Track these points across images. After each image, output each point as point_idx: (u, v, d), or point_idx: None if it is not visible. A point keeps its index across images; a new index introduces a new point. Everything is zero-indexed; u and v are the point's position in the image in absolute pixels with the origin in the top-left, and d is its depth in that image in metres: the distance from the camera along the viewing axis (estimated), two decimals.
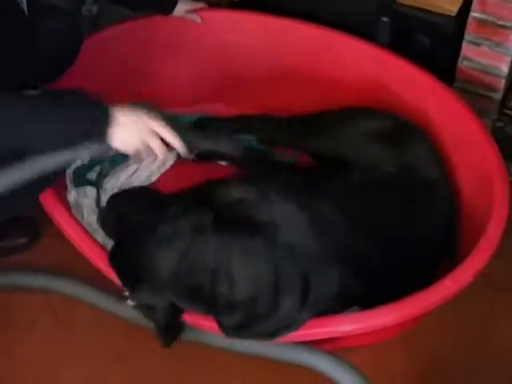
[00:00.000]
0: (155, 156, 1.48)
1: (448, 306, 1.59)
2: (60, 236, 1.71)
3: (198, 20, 2.16)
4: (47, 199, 1.73)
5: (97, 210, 1.90)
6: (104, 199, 1.90)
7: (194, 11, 2.15)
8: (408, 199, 1.69)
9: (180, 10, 2.10)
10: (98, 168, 2.02)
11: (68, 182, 1.96)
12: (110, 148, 1.42)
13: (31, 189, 1.68)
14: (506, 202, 1.63)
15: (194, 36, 2.20)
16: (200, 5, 2.17)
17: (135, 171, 2.04)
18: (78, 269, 1.87)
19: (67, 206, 1.79)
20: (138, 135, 1.41)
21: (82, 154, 1.48)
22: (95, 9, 2.30)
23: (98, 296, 1.75)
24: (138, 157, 1.49)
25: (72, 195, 1.94)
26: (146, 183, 2.03)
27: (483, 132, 1.79)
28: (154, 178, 2.06)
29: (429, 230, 1.69)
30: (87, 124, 1.39)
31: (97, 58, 2.00)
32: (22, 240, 2.03)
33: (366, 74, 2.06)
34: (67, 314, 1.90)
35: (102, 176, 2.02)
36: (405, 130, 1.84)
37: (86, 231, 1.68)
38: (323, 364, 1.52)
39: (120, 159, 2.04)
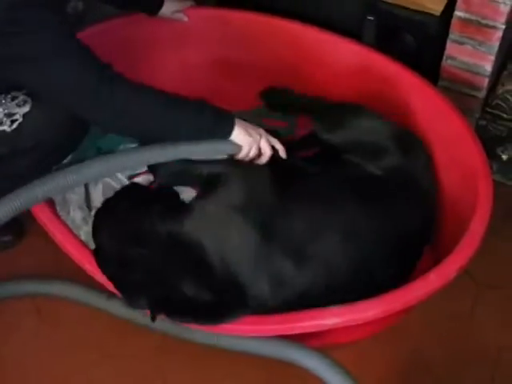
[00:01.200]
0: (261, 159, 1.68)
1: (432, 304, 1.61)
2: (44, 235, 1.71)
3: (185, 19, 2.16)
4: None
5: (84, 207, 1.89)
6: (94, 196, 1.89)
7: (181, 11, 2.14)
8: (388, 202, 1.71)
9: (166, 10, 2.09)
10: None
11: None
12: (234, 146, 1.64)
13: (14, 187, 1.70)
14: (489, 199, 1.65)
15: (180, 34, 2.19)
16: (187, 4, 2.17)
17: None
18: (62, 267, 1.88)
19: (52, 205, 1.78)
20: (253, 137, 1.64)
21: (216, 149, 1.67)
22: (80, 6, 2.29)
23: (90, 294, 1.77)
24: (243, 155, 1.66)
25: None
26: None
27: (467, 130, 1.81)
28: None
29: (402, 241, 1.69)
30: (214, 122, 1.62)
31: None
32: (7, 238, 2.02)
33: (350, 73, 2.06)
34: (51, 312, 1.89)
35: None
36: (408, 138, 1.85)
37: (70, 230, 1.69)
38: (311, 362, 1.53)
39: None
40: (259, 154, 1.68)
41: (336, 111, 1.95)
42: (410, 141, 1.84)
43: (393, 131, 1.83)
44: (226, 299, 1.52)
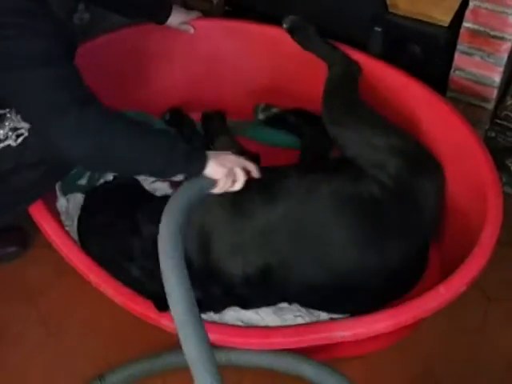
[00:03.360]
0: (235, 186, 1.63)
1: (442, 317, 1.59)
2: (49, 246, 1.71)
3: (192, 31, 2.15)
4: (36, 210, 1.72)
5: None
6: None
7: (188, 22, 2.14)
8: (378, 230, 1.66)
9: (174, 21, 2.08)
10: (87, 175, 2.01)
11: (58, 190, 1.94)
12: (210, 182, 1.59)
13: (20, 200, 1.69)
14: (499, 211, 1.63)
15: (187, 44, 2.19)
16: (194, 15, 2.17)
17: None
18: (66, 279, 1.87)
19: (56, 217, 1.78)
20: (226, 167, 1.59)
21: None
22: (87, 17, 2.29)
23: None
24: (220, 187, 1.61)
25: (61, 203, 1.92)
26: None
27: (477, 142, 1.79)
28: None
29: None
30: (185, 161, 1.56)
31: (89, 65, 1.99)
32: (12, 249, 2.02)
33: (359, 84, 2.05)
34: (57, 324, 1.88)
35: (94, 180, 2.00)
36: (425, 159, 1.79)
37: (74, 242, 1.68)
38: (317, 375, 1.51)
39: None
40: (233, 180, 1.62)
41: (347, 108, 1.87)
42: (424, 164, 1.77)
43: (404, 145, 1.77)
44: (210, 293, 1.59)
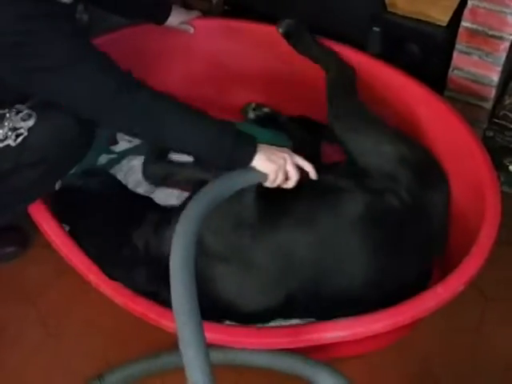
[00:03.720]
0: (287, 183, 1.60)
1: (440, 316, 1.60)
2: (49, 246, 1.71)
3: (191, 31, 2.16)
4: (36, 210, 1.73)
5: None
6: None
7: (188, 22, 2.14)
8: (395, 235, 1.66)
9: (173, 21, 2.09)
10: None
11: (57, 189, 1.94)
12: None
13: (20, 200, 1.70)
14: (497, 211, 1.63)
15: (187, 44, 2.20)
16: (194, 14, 2.17)
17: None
18: (65, 279, 1.88)
19: (55, 217, 1.78)
20: (276, 163, 1.56)
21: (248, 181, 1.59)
22: (86, 17, 2.29)
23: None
24: (270, 182, 1.59)
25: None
26: None
27: (475, 141, 1.79)
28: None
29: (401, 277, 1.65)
30: (233, 148, 1.54)
31: None
32: (12, 249, 2.02)
33: (357, 83, 2.05)
34: (56, 324, 1.88)
35: None
36: (434, 171, 1.79)
37: (74, 242, 1.68)
38: (318, 375, 1.52)
39: (113, 165, 2.04)
40: (286, 177, 1.60)
41: (354, 111, 1.86)
42: (432, 175, 1.76)
43: (415, 156, 1.75)
44: None
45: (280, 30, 2.08)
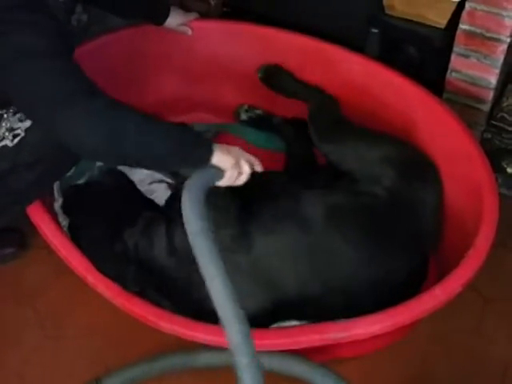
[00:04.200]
0: (241, 178, 1.61)
1: (438, 318, 1.60)
2: (47, 247, 1.71)
3: (189, 32, 2.16)
4: (34, 211, 1.72)
5: None
6: None
7: (186, 23, 2.14)
8: (385, 229, 1.68)
9: (172, 22, 2.09)
10: (86, 175, 2.01)
11: (55, 191, 1.95)
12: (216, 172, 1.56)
13: (17, 201, 1.69)
14: (495, 213, 1.64)
15: (185, 45, 2.20)
16: (192, 16, 2.17)
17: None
18: (64, 280, 1.87)
19: (54, 218, 1.78)
20: (233, 157, 1.56)
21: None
22: (85, 18, 2.29)
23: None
24: (227, 178, 1.59)
25: (59, 204, 1.92)
26: None
27: (473, 144, 1.80)
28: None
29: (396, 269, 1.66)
30: (193, 147, 1.54)
31: (86, 67, 1.99)
32: (10, 250, 2.02)
33: (355, 85, 2.06)
34: (54, 326, 1.88)
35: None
36: (422, 168, 1.82)
37: (72, 244, 1.68)
38: (316, 377, 1.52)
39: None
40: (239, 172, 1.61)
41: (334, 126, 1.93)
42: (420, 171, 1.79)
43: (398, 155, 1.79)
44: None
45: (259, 75, 2.14)
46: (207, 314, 1.54)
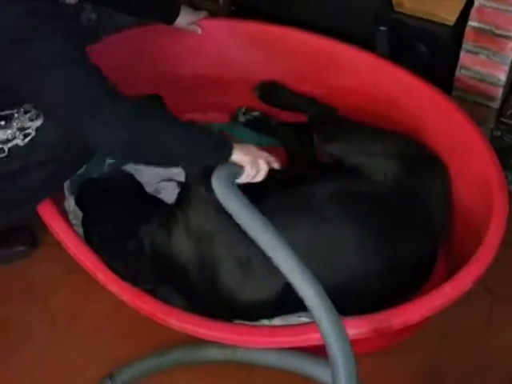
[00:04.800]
0: (259, 174, 1.65)
1: (448, 316, 1.60)
2: (58, 245, 1.72)
3: (199, 31, 2.16)
4: (45, 209, 1.73)
5: None
6: None
7: (196, 22, 2.14)
8: (384, 226, 1.68)
9: (182, 21, 2.09)
10: (97, 174, 2.02)
11: (66, 189, 1.96)
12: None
13: (28, 199, 1.70)
14: (505, 211, 1.63)
15: (194, 44, 2.20)
16: (202, 14, 2.17)
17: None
18: (75, 278, 1.88)
19: (65, 216, 1.79)
20: (251, 155, 1.62)
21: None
22: (94, 17, 2.30)
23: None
24: (247, 174, 1.63)
25: (70, 202, 1.94)
26: None
27: (483, 141, 1.80)
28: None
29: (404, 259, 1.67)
30: (215, 148, 1.61)
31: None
32: (21, 248, 2.03)
33: (364, 83, 2.06)
34: (65, 323, 1.89)
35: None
36: (427, 161, 1.83)
37: (83, 241, 1.69)
38: (322, 373, 1.52)
39: (119, 167, 2.04)
40: (257, 170, 1.65)
41: (337, 125, 1.95)
42: (424, 163, 1.81)
43: (403, 149, 1.80)
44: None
45: (257, 93, 2.17)
46: (227, 307, 1.55)
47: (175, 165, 1.85)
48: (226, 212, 1.51)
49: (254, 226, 1.45)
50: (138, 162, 1.84)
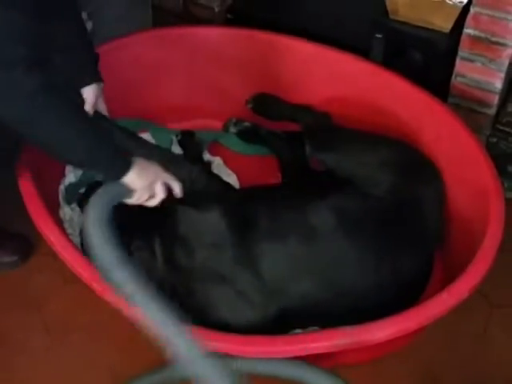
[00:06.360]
0: (152, 200, 1.59)
1: (444, 323, 1.59)
2: (53, 254, 1.70)
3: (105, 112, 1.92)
4: (39, 217, 1.71)
5: None
6: None
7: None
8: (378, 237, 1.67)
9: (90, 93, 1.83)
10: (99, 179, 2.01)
11: (60, 198, 1.95)
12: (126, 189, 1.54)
13: None
14: (501, 217, 1.63)
15: (189, 52, 2.20)
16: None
17: None
18: (70, 286, 1.87)
19: (59, 224, 1.78)
20: (147, 179, 1.54)
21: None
22: (89, 26, 2.30)
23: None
24: (135, 200, 1.57)
25: (64, 212, 1.93)
26: None
27: (478, 148, 1.80)
28: None
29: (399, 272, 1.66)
30: (109, 160, 1.52)
31: None
32: (15, 257, 2.01)
33: (360, 91, 2.06)
34: (61, 330, 1.88)
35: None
36: (421, 167, 1.83)
37: (78, 251, 1.68)
38: (321, 382, 1.51)
39: None
40: (152, 195, 1.58)
41: (330, 134, 1.96)
42: (419, 172, 1.80)
43: (396, 157, 1.80)
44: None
45: (249, 106, 2.16)
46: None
47: (67, 158, 1.61)
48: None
49: (105, 262, 1.38)
50: (32, 142, 1.62)
